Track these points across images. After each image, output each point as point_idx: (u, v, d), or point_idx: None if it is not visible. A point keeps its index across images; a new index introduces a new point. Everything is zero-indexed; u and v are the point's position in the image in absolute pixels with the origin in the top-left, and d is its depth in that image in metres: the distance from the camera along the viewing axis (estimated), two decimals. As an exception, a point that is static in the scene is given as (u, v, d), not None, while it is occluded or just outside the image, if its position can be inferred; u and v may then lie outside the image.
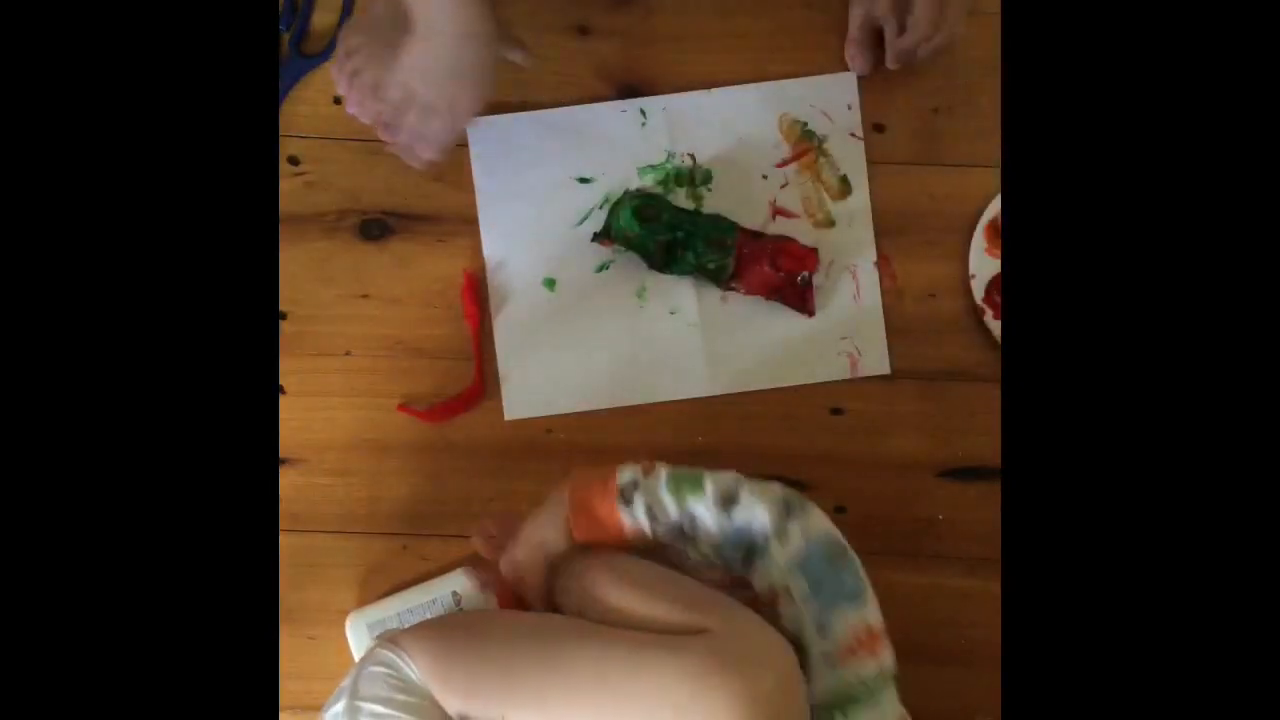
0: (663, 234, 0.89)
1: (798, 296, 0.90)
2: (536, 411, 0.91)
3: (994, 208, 0.90)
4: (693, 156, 0.92)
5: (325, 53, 0.91)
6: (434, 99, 0.81)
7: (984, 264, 0.90)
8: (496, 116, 0.91)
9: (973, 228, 0.91)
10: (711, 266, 0.89)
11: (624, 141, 0.91)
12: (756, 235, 0.90)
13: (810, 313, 0.91)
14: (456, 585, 0.88)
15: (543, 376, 0.91)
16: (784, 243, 0.89)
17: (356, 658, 0.86)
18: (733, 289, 0.90)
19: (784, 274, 0.89)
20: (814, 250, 0.89)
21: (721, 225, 0.89)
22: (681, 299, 0.91)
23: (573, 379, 0.91)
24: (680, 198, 0.91)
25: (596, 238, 0.90)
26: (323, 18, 0.91)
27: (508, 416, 0.91)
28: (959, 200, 0.91)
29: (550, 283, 0.91)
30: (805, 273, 0.89)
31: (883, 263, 0.92)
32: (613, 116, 0.91)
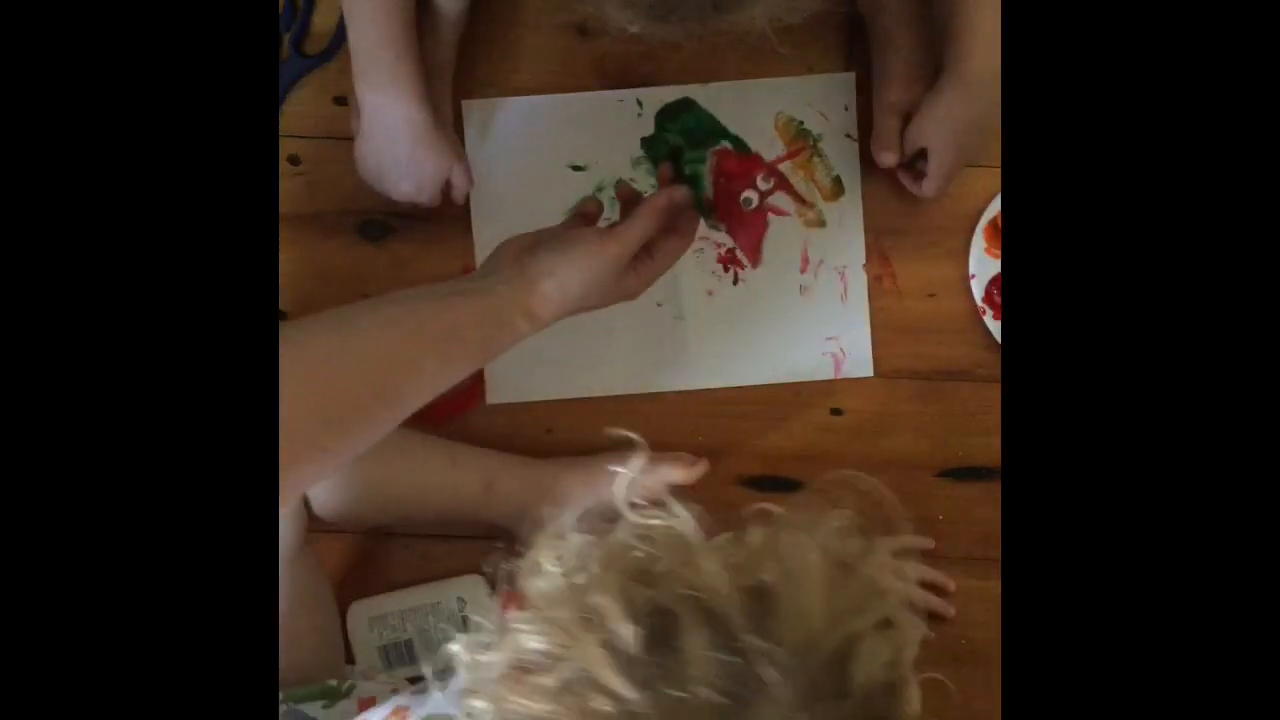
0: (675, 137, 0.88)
1: (739, 223, 0.85)
2: (520, 397, 0.91)
3: (994, 208, 0.90)
4: (687, 149, 0.92)
5: (325, 53, 0.91)
6: (393, 183, 0.84)
7: (984, 264, 0.90)
8: (491, 100, 0.91)
9: (973, 228, 0.90)
10: (687, 172, 0.87)
11: (618, 131, 0.91)
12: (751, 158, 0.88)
13: (753, 261, 0.87)
14: (463, 591, 0.88)
15: (527, 363, 0.90)
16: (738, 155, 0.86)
17: (356, 649, 0.86)
18: (715, 226, 0.87)
19: (720, 192, 0.84)
20: (755, 157, 0.86)
21: (713, 128, 0.88)
22: (669, 292, 0.91)
23: (557, 367, 0.91)
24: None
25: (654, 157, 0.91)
26: (323, 18, 0.91)
27: (490, 400, 0.91)
28: (959, 200, 0.91)
29: None
30: (748, 193, 0.86)
31: (883, 262, 0.92)
32: (608, 106, 0.91)
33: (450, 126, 0.87)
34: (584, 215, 0.77)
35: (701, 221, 0.83)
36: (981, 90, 0.78)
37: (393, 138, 0.82)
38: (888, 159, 0.86)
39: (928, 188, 0.85)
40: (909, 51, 0.84)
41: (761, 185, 0.87)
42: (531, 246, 0.69)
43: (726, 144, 0.87)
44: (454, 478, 0.87)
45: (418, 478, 0.86)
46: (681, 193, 0.74)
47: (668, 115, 0.90)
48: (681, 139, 0.89)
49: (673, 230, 0.74)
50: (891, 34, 0.87)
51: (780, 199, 0.91)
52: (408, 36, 0.79)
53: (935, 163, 0.83)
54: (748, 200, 0.85)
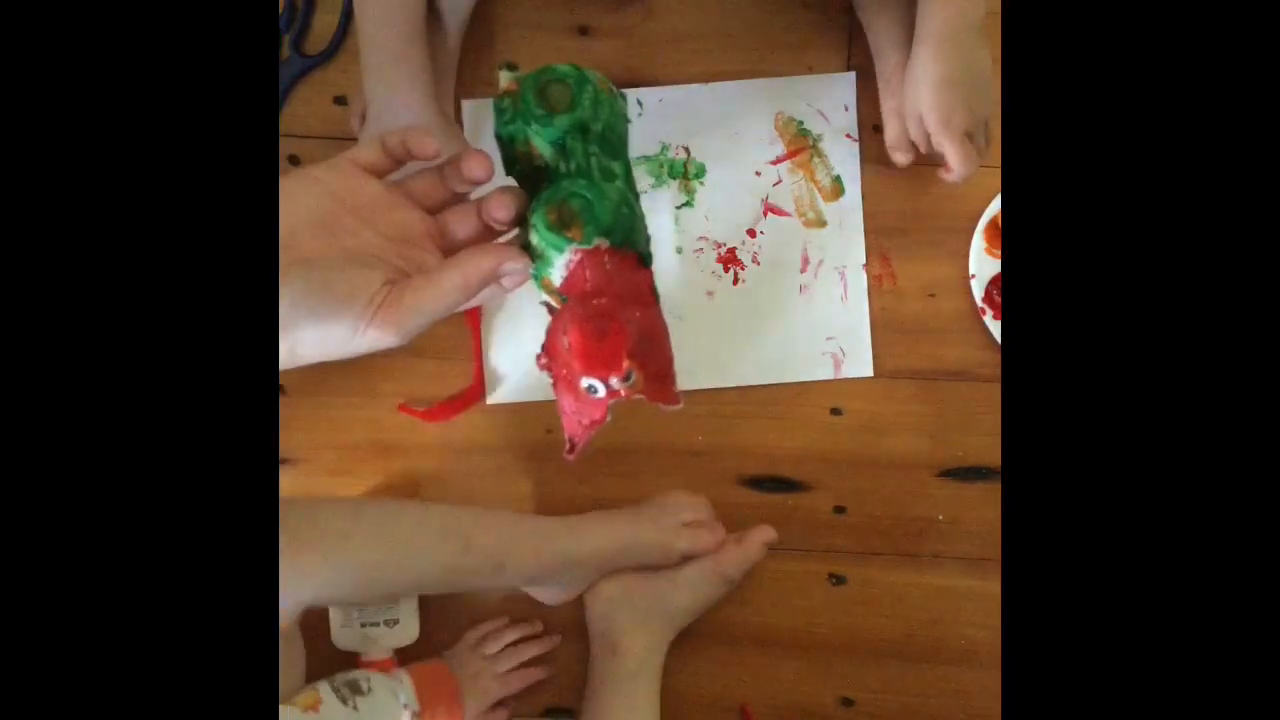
0: (542, 145, 0.53)
1: (572, 403, 0.55)
2: (520, 397, 0.91)
3: (994, 208, 0.90)
4: (687, 150, 0.92)
5: (325, 53, 0.91)
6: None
7: (984, 264, 0.90)
8: (491, 100, 0.91)
9: (973, 228, 0.91)
10: (535, 242, 0.52)
11: None
12: (641, 259, 0.55)
13: (570, 449, 0.58)
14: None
15: (528, 363, 0.91)
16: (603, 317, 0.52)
17: (334, 633, 0.88)
18: (549, 307, 0.56)
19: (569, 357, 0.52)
20: (621, 358, 0.53)
21: (595, 209, 0.51)
22: (668, 292, 0.90)
23: None
24: (673, 190, 0.91)
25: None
26: (323, 18, 0.91)
27: (490, 400, 0.91)
28: (959, 200, 0.91)
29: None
30: (592, 381, 0.54)
31: (882, 262, 0.92)
32: None
33: (455, 125, 0.88)
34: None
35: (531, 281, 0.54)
36: (950, 45, 0.78)
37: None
38: (900, 159, 0.87)
39: (950, 159, 0.81)
40: (905, 54, 0.84)
41: (617, 383, 0.53)
42: (284, 269, 0.47)
43: (601, 242, 0.52)
44: (465, 562, 0.80)
45: (426, 565, 0.79)
46: (519, 272, 0.52)
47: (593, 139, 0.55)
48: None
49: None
50: (886, 38, 0.87)
51: (781, 199, 0.91)
52: (417, 33, 0.79)
53: (934, 125, 0.80)
54: (591, 388, 0.53)
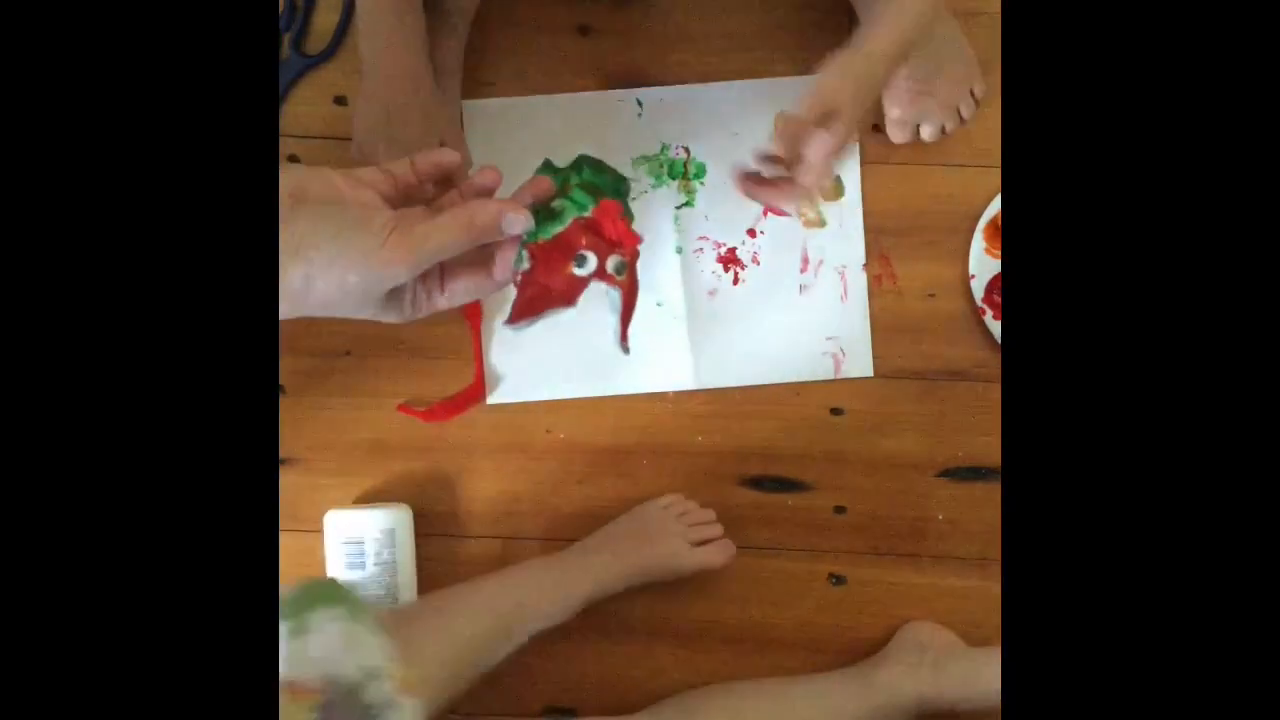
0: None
1: (550, 269, 0.64)
2: (520, 397, 0.91)
3: (994, 208, 0.90)
4: (686, 150, 0.92)
5: (325, 53, 0.91)
6: (384, 149, 0.82)
7: (984, 264, 0.90)
8: (491, 101, 0.91)
9: (973, 228, 0.91)
10: (554, 205, 0.67)
11: (619, 131, 0.91)
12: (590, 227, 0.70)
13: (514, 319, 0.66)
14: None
15: (527, 363, 0.91)
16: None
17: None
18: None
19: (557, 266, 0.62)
20: (629, 233, 0.66)
21: (611, 185, 0.70)
22: (668, 292, 0.91)
23: (557, 366, 0.91)
24: (673, 190, 0.91)
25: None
26: (323, 18, 0.92)
27: (490, 400, 0.91)
28: (959, 200, 0.91)
29: None
30: (587, 252, 0.65)
31: (882, 262, 0.92)
32: (609, 106, 0.91)
33: (459, 115, 0.88)
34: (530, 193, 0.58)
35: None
36: (875, 63, 0.75)
37: (392, 87, 0.82)
38: (897, 136, 0.90)
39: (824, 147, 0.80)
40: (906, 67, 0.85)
41: (612, 264, 0.65)
42: (295, 205, 0.50)
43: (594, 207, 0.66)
44: (510, 643, 0.82)
45: (481, 655, 0.79)
46: (520, 221, 0.52)
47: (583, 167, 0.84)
48: (578, 182, 0.77)
49: (480, 264, 0.54)
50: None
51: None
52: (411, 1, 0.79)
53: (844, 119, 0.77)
54: (581, 259, 0.63)
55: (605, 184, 0.73)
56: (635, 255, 0.68)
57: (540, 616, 0.82)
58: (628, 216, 0.83)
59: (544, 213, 0.57)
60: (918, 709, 0.85)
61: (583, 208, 0.68)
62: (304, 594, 0.67)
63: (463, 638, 0.76)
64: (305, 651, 0.65)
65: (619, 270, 0.64)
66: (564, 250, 0.63)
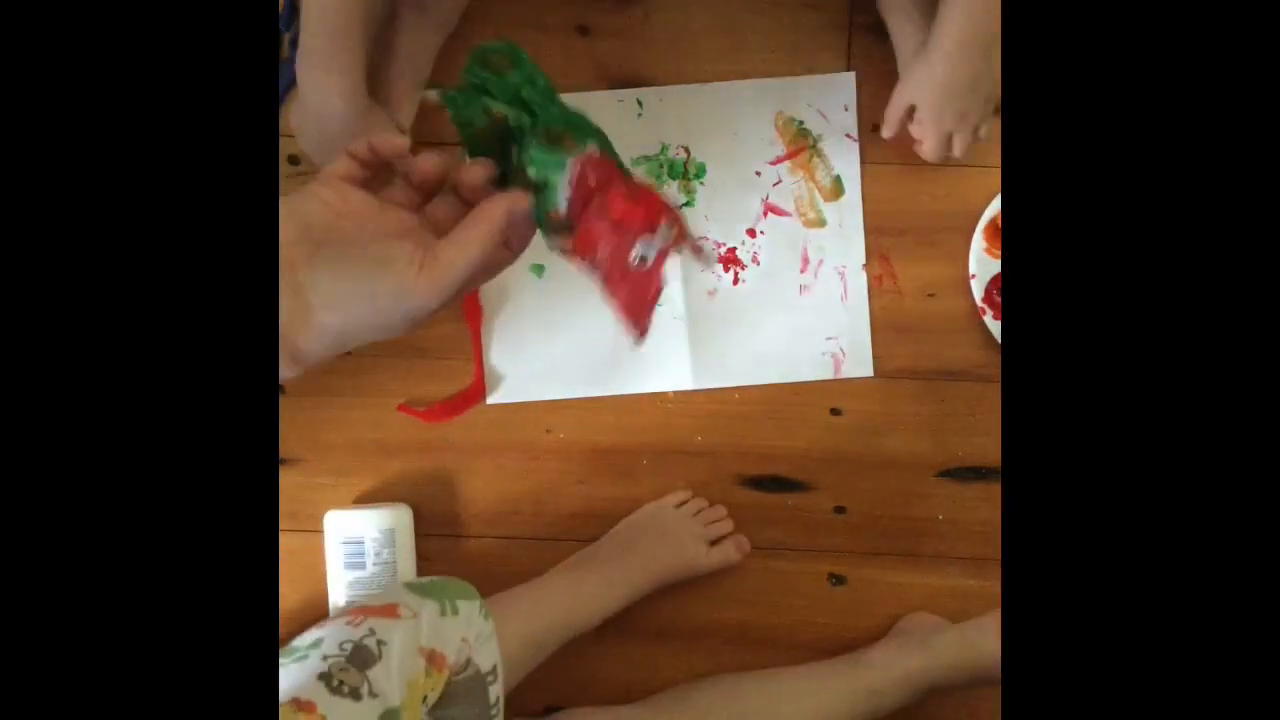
0: (500, 106, 0.56)
1: (626, 288, 0.56)
2: (520, 397, 0.91)
3: (994, 208, 0.90)
4: (686, 150, 0.92)
5: (325, 53, 0.91)
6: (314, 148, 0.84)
7: (984, 264, 0.90)
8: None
9: (973, 228, 0.91)
10: (533, 175, 0.54)
11: (618, 131, 0.91)
12: (621, 170, 0.56)
13: (640, 331, 0.56)
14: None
15: (527, 363, 0.91)
16: (634, 187, 0.55)
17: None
18: (561, 249, 0.56)
19: (612, 236, 0.55)
20: (662, 205, 0.55)
21: (575, 122, 0.55)
22: (668, 292, 0.91)
23: (557, 366, 0.91)
24: (673, 190, 0.91)
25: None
26: (323, 18, 0.91)
27: (490, 400, 0.91)
28: (959, 200, 0.91)
29: (538, 269, 0.91)
30: (645, 237, 0.55)
31: (883, 262, 0.92)
32: (609, 105, 0.91)
33: (382, 112, 0.85)
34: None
35: (547, 238, 0.56)
36: (958, 55, 0.81)
37: (321, 122, 0.82)
38: (886, 131, 0.88)
39: (925, 145, 0.87)
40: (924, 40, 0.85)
41: (662, 236, 0.55)
42: (312, 254, 0.49)
43: (593, 146, 0.55)
44: (543, 655, 0.87)
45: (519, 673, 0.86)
46: (523, 204, 0.53)
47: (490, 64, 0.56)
48: (503, 98, 0.57)
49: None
50: (902, 33, 0.88)
51: (781, 199, 0.91)
52: (353, 30, 0.80)
53: (925, 118, 0.85)
54: (642, 259, 0.55)
55: (573, 123, 0.57)
56: (675, 219, 0.57)
57: (572, 629, 0.85)
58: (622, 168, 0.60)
59: (539, 152, 0.54)
60: (911, 685, 0.85)
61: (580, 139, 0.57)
62: (451, 585, 0.76)
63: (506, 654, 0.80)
64: (451, 630, 0.72)
65: (672, 229, 0.55)
66: (619, 243, 0.54)
